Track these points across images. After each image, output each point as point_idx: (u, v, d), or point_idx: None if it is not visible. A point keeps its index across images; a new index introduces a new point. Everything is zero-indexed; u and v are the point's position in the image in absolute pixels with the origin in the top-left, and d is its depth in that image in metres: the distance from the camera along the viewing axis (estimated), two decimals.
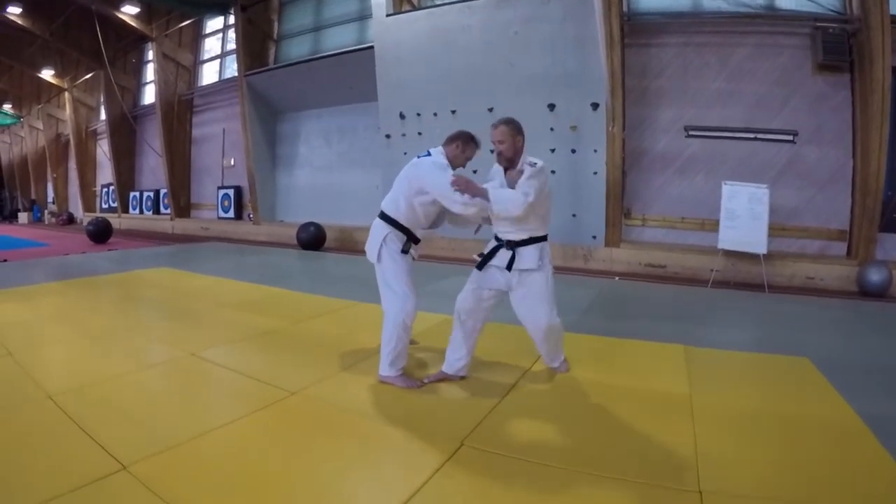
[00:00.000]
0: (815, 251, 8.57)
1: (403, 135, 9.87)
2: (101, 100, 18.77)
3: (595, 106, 8.58)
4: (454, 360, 3.41)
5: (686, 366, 3.85)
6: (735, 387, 3.52)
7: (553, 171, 8.30)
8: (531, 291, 3.27)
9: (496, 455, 2.47)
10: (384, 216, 3.36)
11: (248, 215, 13.60)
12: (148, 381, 3.39)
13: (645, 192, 9.24)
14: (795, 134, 8.61)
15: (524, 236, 3.26)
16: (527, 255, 3.25)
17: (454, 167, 3.28)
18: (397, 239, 3.33)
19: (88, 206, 20.76)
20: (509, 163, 3.20)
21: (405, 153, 9.80)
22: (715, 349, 4.36)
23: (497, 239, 3.36)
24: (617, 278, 8.08)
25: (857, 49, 8.21)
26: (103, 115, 18.83)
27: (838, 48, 8.27)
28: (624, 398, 3.22)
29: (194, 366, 3.66)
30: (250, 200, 13.35)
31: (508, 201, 3.04)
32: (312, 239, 10.57)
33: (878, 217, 7.95)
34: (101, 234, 12.29)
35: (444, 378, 3.41)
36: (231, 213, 14.36)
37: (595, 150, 8.61)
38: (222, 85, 14.70)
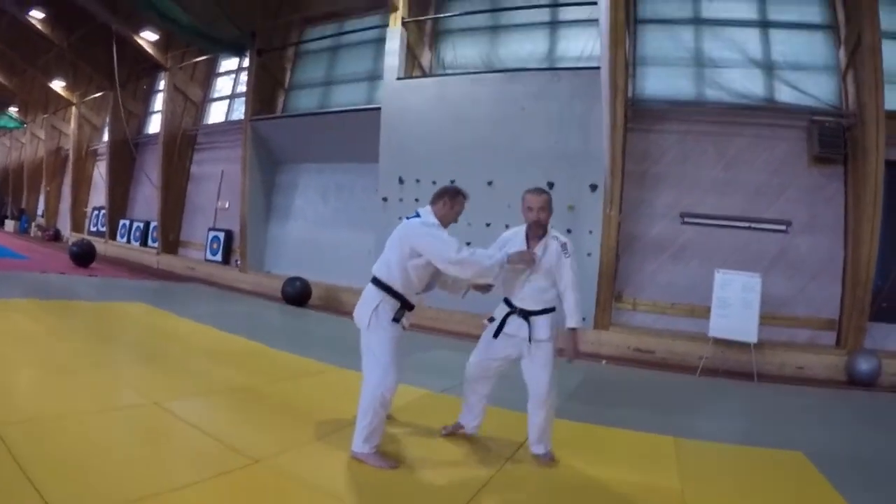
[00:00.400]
0: (805, 340, 8.62)
1: (401, 199, 9.87)
2: (107, 121, 18.85)
3: (594, 187, 8.67)
4: (470, 420, 3.61)
5: (676, 459, 3.76)
6: (728, 483, 3.44)
7: None
8: (539, 359, 3.30)
9: None
10: (377, 281, 3.24)
11: (236, 261, 13.42)
12: (104, 425, 3.18)
13: (637, 276, 9.25)
14: (789, 224, 8.77)
15: (541, 307, 3.33)
16: (541, 326, 3.31)
17: (445, 225, 3.26)
18: (390, 307, 3.20)
19: (77, 225, 20.53)
20: (543, 231, 3.32)
21: (400, 217, 9.66)
22: (705, 441, 4.30)
23: (508, 304, 3.41)
24: (604, 362, 7.96)
25: (852, 143, 8.49)
26: (106, 137, 18.88)
27: (834, 141, 8.53)
28: (612, 492, 3.11)
29: (156, 416, 3.44)
30: (240, 246, 13.18)
31: (577, 304, 3.28)
32: (298, 294, 10.40)
33: (868, 307, 8.05)
34: (84, 256, 11.99)
35: (460, 430, 3.63)
36: (219, 257, 14.18)
37: (590, 232, 8.64)
38: (227, 126, 14.77)
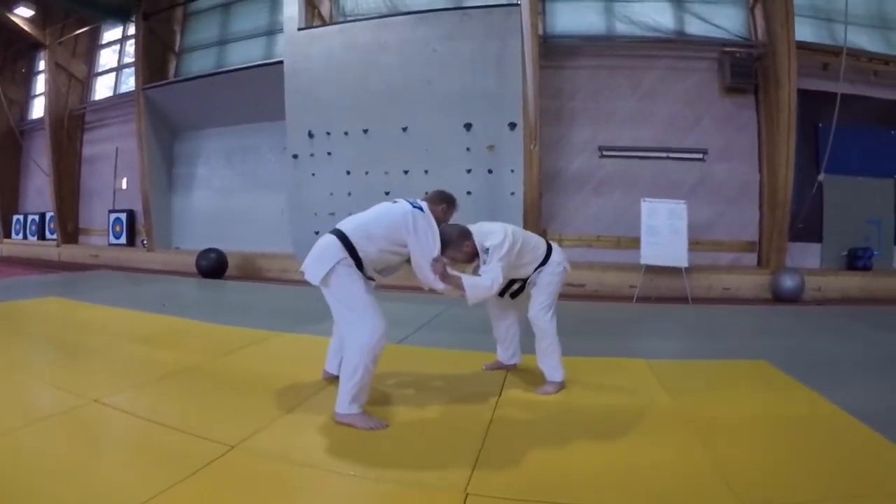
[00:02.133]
0: (728, 262, 8.98)
1: (312, 155, 9.25)
2: None
3: (513, 126, 8.39)
4: (504, 353, 3.77)
5: (655, 378, 3.75)
6: (713, 393, 3.48)
7: (469, 193, 8.01)
8: (535, 291, 3.43)
9: (506, 501, 2.11)
10: (344, 238, 2.91)
11: (142, 241, 12.40)
12: (40, 439, 2.56)
13: (561, 212, 9.17)
14: (705, 152, 8.98)
15: (526, 276, 3.43)
16: (535, 281, 3.45)
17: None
18: (354, 268, 2.92)
19: None
20: (470, 263, 3.27)
21: (313, 174, 9.22)
22: (673, 360, 4.35)
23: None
24: None
25: (762, 72, 8.67)
26: None
27: (744, 71, 8.77)
28: (610, 417, 3.01)
29: (100, 416, 2.90)
30: (144, 225, 12.17)
31: (480, 289, 3.05)
32: (213, 266, 9.64)
33: (787, 228, 8.44)
34: None
35: (501, 367, 3.78)
36: (123, 240, 13.04)
37: (512, 171, 8.40)
38: (117, 100, 13.47)
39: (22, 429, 2.64)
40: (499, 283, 3.05)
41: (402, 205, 3.04)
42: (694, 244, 8.33)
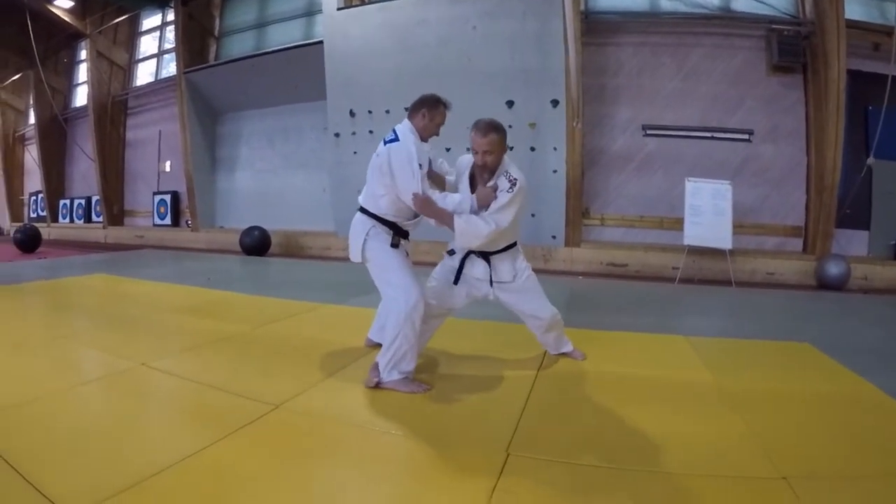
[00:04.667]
0: (772, 247, 8.67)
1: (353, 133, 9.33)
2: (30, 102, 17.25)
3: (555, 103, 8.31)
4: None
5: (696, 354, 3.72)
6: (754, 371, 3.40)
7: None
8: (526, 291, 3.11)
9: (545, 461, 2.14)
10: (364, 211, 2.99)
11: (187, 222, 12.70)
12: (92, 398, 2.73)
13: (603, 191, 9.05)
14: (751, 133, 8.68)
15: (501, 246, 3.02)
16: (504, 267, 3.04)
17: (425, 138, 2.94)
18: (383, 232, 2.95)
19: (16, 215, 19.05)
20: (490, 175, 2.86)
21: (355, 152, 9.28)
22: (714, 338, 4.28)
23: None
24: (580, 277, 7.79)
25: (811, 51, 8.36)
26: (32, 119, 17.35)
27: (792, 49, 8.42)
28: (649, 388, 3.02)
29: (150, 378, 3.03)
30: (188, 206, 12.46)
31: (473, 235, 2.80)
32: (257, 243, 9.84)
33: (835, 212, 8.09)
34: (29, 241, 11.06)
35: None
36: (168, 220, 13.38)
37: (555, 148, 8.33)
38: (159, 84, 13.76)
39: (76, 387, 2.83)
40: (502, 229, 2.77)
41: (378, 148, 2.94)
42: (737, 227, 8.09)
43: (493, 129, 2.75)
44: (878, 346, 4.22)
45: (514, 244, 3.06)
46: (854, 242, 8.54)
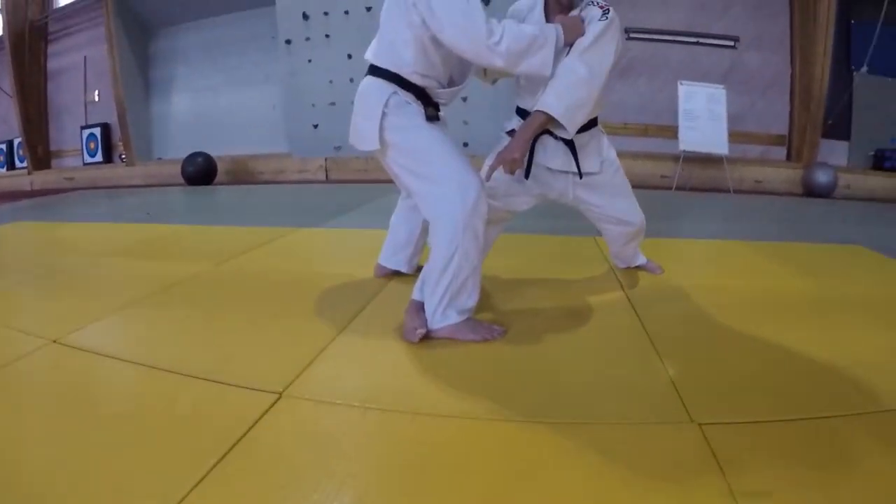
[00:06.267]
0: (756, 156, 8.49)
1: (307, 39, 8.31)
2: None
3: None
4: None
5: (768, 260, 3.24)
6: (839, 276, 2.97)
7: (485, 72, 7.24)
8: (608, 189, 2.29)
9: (761, 426, 1.45)
10: (377, 71, 2.01)
11: (121, 156, 11.42)
12: None
13: None
14: (737, 39, 8.32)
15: (579, 124, 2.05)
16: (588, 156, 2.17)
17: None
18: (412, 101, 1.99)
19: None
20: (570, 5, 2.01)
21: (309, 60, 8.32)
22: (766, 241, 3.81)
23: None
24: None
25: None
26: None
27: None
28: (750, 297, 2.51)
29: (62, 365, 1.83)
30: (121, 138, 11.16)
31: (586, 90, 1.91)
32: (202, 171, 8.79)
33: (822, 122, 8.04)
34: None
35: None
36: (99, 157, 12.01)
37: None
38: (83, 3, 12.17)
39: None
40: (597, 85, 1.93)
41: None
42: None
43: None
44: None
45: (596, 121, 2.19)
46: (835, 152, 8.45)
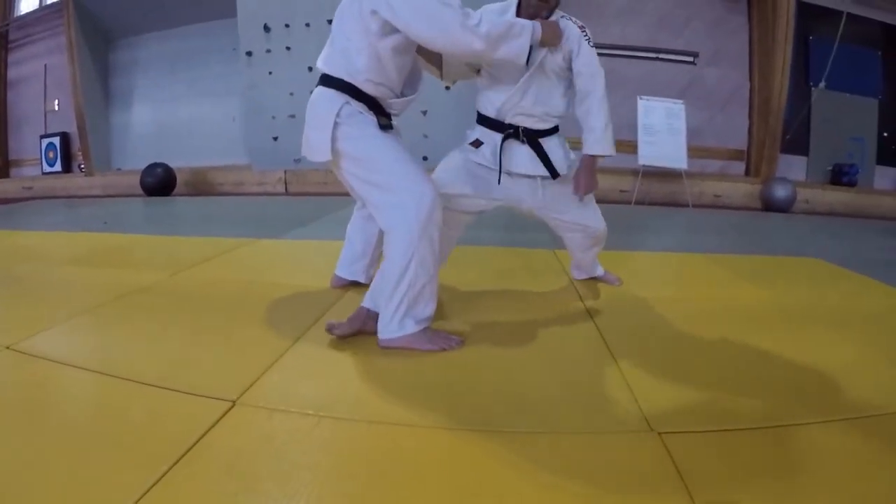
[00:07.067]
0: (716, 170, 8.63)
1: (268, 51, 8.22)
2: None
3: None
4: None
5: (726, 272, 3.33)
6: (797, 289, 3.06)
7: (448, 88, 7.21)
8: (572, 193, 2.28)
9: (712, 435, 1.47)
10: (329, 81, 1.97)
11: (80, 166, 11.18)
12: None
13: None
14: (696, 55, 8.44)
15: (550, 124, 2.18)
16: (559, 153, 2.21)
17: None
18: (364, 111, 1.97)
19: None
20: (551, 12, 2.07)
21: (270, 72, 8.24)
22: (725, 254, 3.91)
23: (494, 123, 2.15)
24: None
25: None
26: None
27: None
28: (725, 312, 2.53)
29: (16, 370, 1.81)
30: (80, 148, 10.93)
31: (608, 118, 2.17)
32: (160, 182, 8.62)
33: (780, 137, 8.18)
34: None
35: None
36: (58, 167, 11.73)
37: None
38: (44, 10, 11.97)
39: None
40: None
41: None
42: None
43: None
44: (876, 256, 4.25)
45: (557, 128, 2.25)
46: (794, 167, 8.60)
